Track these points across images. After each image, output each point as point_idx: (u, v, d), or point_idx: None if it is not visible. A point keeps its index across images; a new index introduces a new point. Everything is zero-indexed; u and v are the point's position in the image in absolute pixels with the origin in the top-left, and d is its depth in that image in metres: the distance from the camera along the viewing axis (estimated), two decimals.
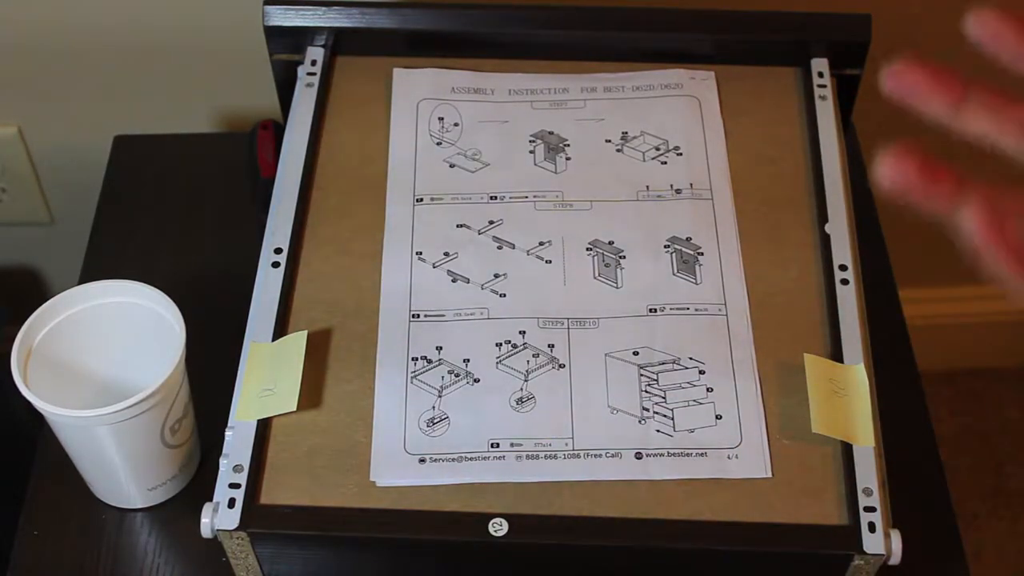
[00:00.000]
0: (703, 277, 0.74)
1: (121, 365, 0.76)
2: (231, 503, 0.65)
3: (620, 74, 0.84)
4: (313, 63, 0.84)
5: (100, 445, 0.71)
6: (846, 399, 0.68)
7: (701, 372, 0.70)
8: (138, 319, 0.74)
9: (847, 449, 0.66)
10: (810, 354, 0.70)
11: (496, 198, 0.78)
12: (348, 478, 0.66)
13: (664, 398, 0.69)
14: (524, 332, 0.72)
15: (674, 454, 0.67)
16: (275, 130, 0.92)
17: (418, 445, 0.67)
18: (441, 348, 0.71)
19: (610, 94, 0.83)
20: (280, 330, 0.71)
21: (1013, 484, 1.49)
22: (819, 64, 0.83)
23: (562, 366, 0.70)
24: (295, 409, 0.67)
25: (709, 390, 0.69)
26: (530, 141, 0.81)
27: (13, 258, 1.22)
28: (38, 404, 0.68)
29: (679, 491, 0.66)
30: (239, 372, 0.69)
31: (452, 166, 0.79)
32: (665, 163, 0.79)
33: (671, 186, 0.78)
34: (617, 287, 0.74)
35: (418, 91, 0.83)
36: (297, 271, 0.74)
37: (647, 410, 0.68)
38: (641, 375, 0.70)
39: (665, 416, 0.68)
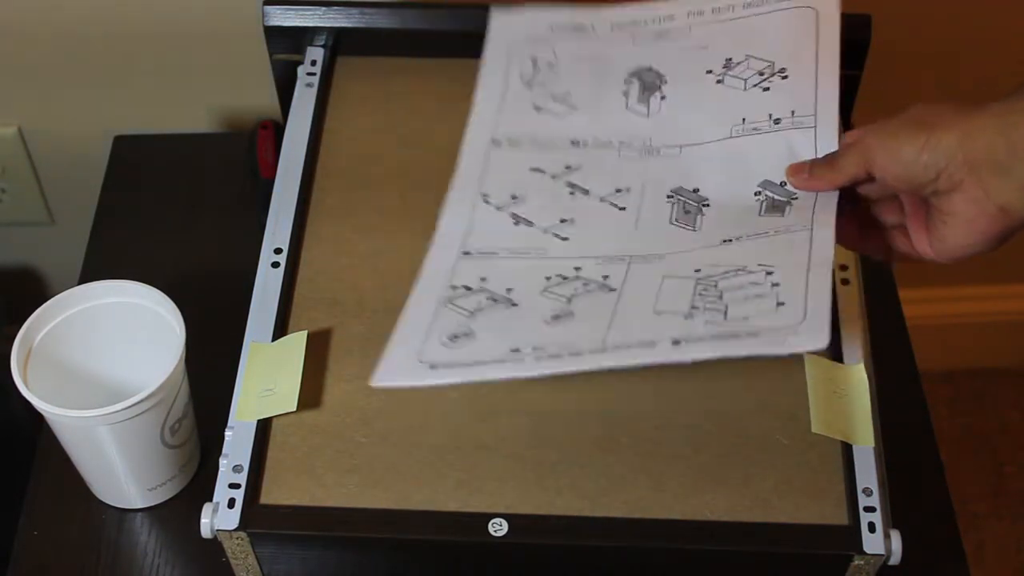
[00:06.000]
0: (791, 214, 0.68)
1: (121, 365, 0.76)
2: (231, 503, 0.65)
3: None
4: (313, 63, 0.84)
5: (100, 445, 0.71)
6: (846, 399, 0.68)
7: (769, 273, 0.65)
8: (138, 319, 0.74)
9: (847, 449, 0.66)
10: (810, 354, 0.70)
11: (577, 143, 0.74)
12: (348, 478, 0.66)
13: (720, 297, 0.64)
14: (579, 268, 0.68)
15: (718, 336, 0.62)
16: (275, 130, 0.92)
17: (434, 355, 0.65)
18: (485, 279, 0.68)
19: (718, 15, 0.77)
20: (280, 330, 0.71)
21: (1013, 484, 1.49)
22: None
23: (612, 290, 0.66)
24: (295, 409, 0.67)
25: (775, 285, 0.64)
26: (625, 81, 0.76)
27: (13, 258, 1.22)
28: (38, 404, 0.68)
29: (679, 491, 0.66)
30: (239, 372, 0.69)
31: (539, 109, 0.76)
32: (767, 89, 0.74)
33: (770, 115, 0.73)
34: (694, 230, 0.70)
35: (514, 33, 0.79)
36: (297, 271, 0.74)
37: (697, 308, 0.64)
38: (698, 283, 0.65)
39: (716, 311, 0.64)
